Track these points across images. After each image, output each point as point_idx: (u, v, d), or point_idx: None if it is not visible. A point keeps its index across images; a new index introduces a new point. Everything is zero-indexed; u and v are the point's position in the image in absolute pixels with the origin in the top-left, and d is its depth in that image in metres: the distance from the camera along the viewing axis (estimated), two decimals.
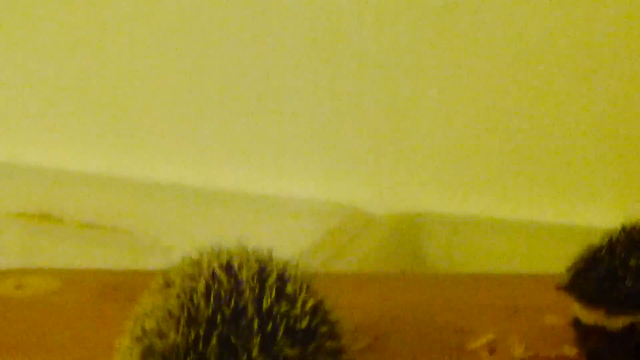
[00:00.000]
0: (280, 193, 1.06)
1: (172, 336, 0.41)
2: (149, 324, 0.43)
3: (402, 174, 0.92)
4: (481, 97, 1.04)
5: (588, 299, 0.55)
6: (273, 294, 0.44)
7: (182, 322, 0.41)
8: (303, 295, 0.45)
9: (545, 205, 1.02)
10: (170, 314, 0.42)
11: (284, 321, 0.42)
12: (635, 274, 0.53)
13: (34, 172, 1.11)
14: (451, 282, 0.77)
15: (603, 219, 0.91)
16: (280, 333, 0.41)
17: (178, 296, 0.44)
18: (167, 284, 0.47)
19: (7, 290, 0.69)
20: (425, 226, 0.96)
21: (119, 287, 0.78)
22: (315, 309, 0.45)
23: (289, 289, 0.45)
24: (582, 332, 0.55)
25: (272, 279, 0.45)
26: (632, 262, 0.53)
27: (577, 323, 0.56)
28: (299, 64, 1.04)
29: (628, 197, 0.72)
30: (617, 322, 0.55)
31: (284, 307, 0.43)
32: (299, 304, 0.44)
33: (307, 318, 0.44)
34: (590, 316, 0.56)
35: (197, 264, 0.46)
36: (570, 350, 0.61)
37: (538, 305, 0.72)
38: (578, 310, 0.56)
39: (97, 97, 1.09)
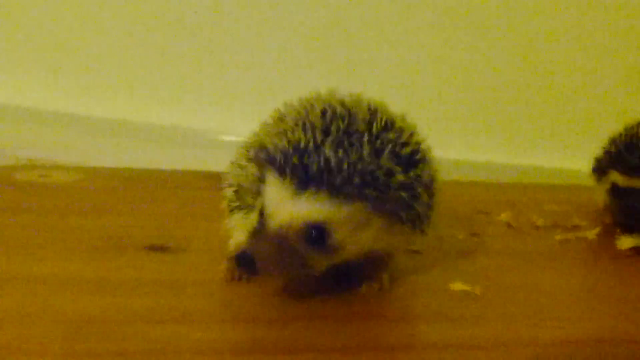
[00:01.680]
0: None
1: (291, 137, 0.44)
2: (264, 140, 0.47)
3: None
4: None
5: (629, 168, 0.71)
6: (382, 123, 0.47)
7: (299, 128, 0.45)
8: (409, 131, 0.48)
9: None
10: (284, 131, 0.46)
11: (390, 145, 0.45)
12: None
13: None
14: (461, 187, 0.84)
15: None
16: (387, 151, 0.45)
17: (293, 118, 0.48)
18: (280, 119, 0.50)
19: (34, 177, 0.77)
20: None
21: (137, 180, 0.84)
22: (417, 143, 0.48)
23: (398, 123, 0.48)
24: (621, 194, 0.73)
25: (382, 114, 0.48)
26: None
27: (615, 188, 0.73)
28: None
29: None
30: None
31: (392, 134, 0.46)
32: (405, 135, 0.47)
33: (411, 147, 0.47)
34: (629, 181, 0.71)
35: (309, 101, 0.50)
36: (580, 221, 0.70)
37: (538, 199, 0.82)
38: (619, 178, 0.72)
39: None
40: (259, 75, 1.11)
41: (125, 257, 0.54)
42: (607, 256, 0.64)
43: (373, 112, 0.48)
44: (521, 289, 0.53)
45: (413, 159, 0.46)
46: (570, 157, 1.08)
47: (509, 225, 0.75)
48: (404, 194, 0.44)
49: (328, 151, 0.43)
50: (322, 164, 0.42)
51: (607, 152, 0.75)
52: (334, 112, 0.47)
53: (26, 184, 0.76)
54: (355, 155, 0.43)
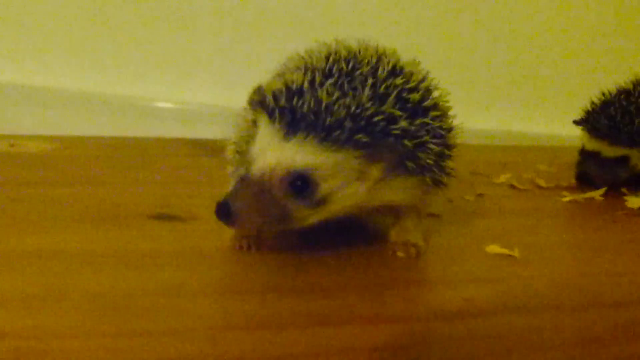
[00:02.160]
0: None
1: (288, 78, 0.40)
2: (263, 83, 0.43)
3: None
4: None
5: (596, 130, 0.71)
6: (389, 67, 0.43)
7: (300, 71, 0.41)
8: (419, 77, 0.44)
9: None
10: (284, 72, 0.44)
11: (396, 91, 0.41)
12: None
13: None
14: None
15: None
16: (392, 98, 0.40)
17: (297, 61, 0.44)
18: (287, 63, 0.47)
19: (4, 147, 0.72)
20: None
21: (119, 148, 0.80)
22: (428, 90, 0.44)
23: (407, 68, 0.44)
24: (584, 156, 0.73)
25: (390, 59, 0.44)
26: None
27: (582, 150, 0.74)
28: None
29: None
30: (615, 152, 0.70)
31: (398, 80, 0.42)
32: (413, 80, 0.43)
33: (420, 94, 0.42)
34: (594, 144, 0.71)
35: (319, 47, 0.46)
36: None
37: (528, 160, 0.82)
38: (586, 140, 0.73)
39: None
40: (195, 41, 1.08)
41: (134, 228, 0.48)
42: (621, 214, 0.63)
43: (380, 56, 0.44)
44: (555, 248, 0.51)
45: (421, 105, 0.42)
46: (553, 122, 1.10)
47: (512, 187, 0.74)
48: (408, 143, 0.40)
49: (321, 93, 0.39)
50: (313, 105, 0.38)
51: (585, 111, 0.75)
52: (339, 56, 0.43)
53: None
54: (351, 99, 0.39)
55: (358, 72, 0.42)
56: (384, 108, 0.40)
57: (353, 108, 0.39)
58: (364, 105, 0.39)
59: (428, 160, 0.42)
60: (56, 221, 0.49)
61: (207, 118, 1.05)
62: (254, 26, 1.09)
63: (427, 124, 0.42)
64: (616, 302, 0.42)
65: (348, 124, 0.38)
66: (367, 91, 0.40)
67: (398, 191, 0.43)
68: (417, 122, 0.41)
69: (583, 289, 0.43)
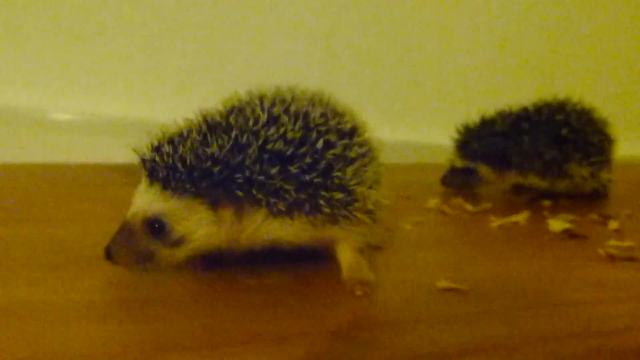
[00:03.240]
0: None
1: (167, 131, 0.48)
2: None
3: None
4: None
5: (462, 150, 0.91)
6: (270, 117, 0.49)
7: (189, 121, 0.49)
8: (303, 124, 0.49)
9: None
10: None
11: (258, 142, 0.46)
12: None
13: None
14: None
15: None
16: (251, 149, 0.46)
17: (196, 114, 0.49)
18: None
19: None
20: None
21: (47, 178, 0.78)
22: (300, 140, 0.47)
23: (302, 117, 0.49)
24: (449, 169, 0.93)
25: (288, 107, 0.51)
26: None
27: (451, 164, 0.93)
28: None
29: None
30: (463, 164, 0.91)
31: (270, 131, 0.47)
32: (289, 130, 0.48)
33: (286, 144, 0.47)
34: (456, 160, 0.92)
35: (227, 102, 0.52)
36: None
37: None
38: (454, 157, 0.93)
39: None
40: (91, 50, 1.04)
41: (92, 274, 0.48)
42: (547, 239, 0.67)
43: (284, 105, 0.50)
44: (500, 280, 0.53)
45: (283, 155, 0.46)
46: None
47: (443, 212, 0.77)
48: (254, 190, 0.45)
49: (178, 147, 0.45)
50: (166, 158, 0.44)
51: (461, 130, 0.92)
52: (236, 106, 0.50)
53: None
54: (195, 151, 0.44)
55: (236, 122, 0.47)
56: (232, 161, 0.44)
57: (190, 160, 0.44)
58: (205, 156, 0.44)
59: (281, 206, 0.46)
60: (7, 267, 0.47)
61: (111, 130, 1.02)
62: (163, 37, 1.07)
63: (288, 171, 0.46)
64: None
65: (184, 174, 0.44)
66: (219, 142, 0.45)
67: (283, 230, 0.48)
68: (273, 170, 0.45)
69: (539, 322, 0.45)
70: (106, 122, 1.03)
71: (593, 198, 0.90)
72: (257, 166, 0.45)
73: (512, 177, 0.89)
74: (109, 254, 0.45)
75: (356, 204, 0.49)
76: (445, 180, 0.92)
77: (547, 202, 0.87)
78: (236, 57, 1.10)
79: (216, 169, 0.44)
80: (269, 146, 0.46)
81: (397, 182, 0.82)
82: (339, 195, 0.47)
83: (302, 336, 0.40)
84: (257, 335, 0.40)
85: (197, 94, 1.05)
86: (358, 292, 0.47)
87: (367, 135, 0.54)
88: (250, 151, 0.45)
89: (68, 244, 0.54)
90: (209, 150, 0.44)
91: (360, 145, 0.52)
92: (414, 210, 0.76)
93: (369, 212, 0.51)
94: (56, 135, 0.98)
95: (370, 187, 0.50)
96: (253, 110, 0.48)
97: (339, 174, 0.47)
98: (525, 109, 0.90)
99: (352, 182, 0.48)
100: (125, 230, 0.45)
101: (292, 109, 0.49)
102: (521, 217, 0.74)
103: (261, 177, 0.45)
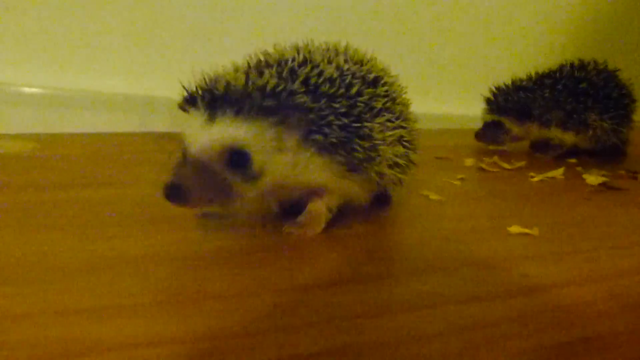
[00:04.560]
0: None
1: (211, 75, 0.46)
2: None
3: None
4: None
5: (490, 106, 0.99)
6: (318, 60, 0.50)
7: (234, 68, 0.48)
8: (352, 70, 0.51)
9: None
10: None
11: (303, 75, 0.47)
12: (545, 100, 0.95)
13: None
14: None
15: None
16: (299, 79, 0.46)
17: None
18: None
19: None
20: None
21: (96, 146, 0.79)
22: (349, 83, 0.49)
23: (347, 64, 0.51)
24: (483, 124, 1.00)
25: (333, 55, 0.52)
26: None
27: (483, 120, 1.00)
28: None
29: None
30: (491, 118, 0.99)
31: (307, 69, 0.47)
32: (331, 71, 0.48)
33: (333, 82, 0.47)
34: (486, 116, 0.99)
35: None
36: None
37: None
38: (484, 114, 1.00)
39: None
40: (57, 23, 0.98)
41: (183, 229, 0.49)
42: (588, 191, 0.71)
43: (328, 53, 0.51)
44: (565, 225, 0.57)
45: (329, 92, 0.46)
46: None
47: (483, 170, 0.80)
48: (312, 115, 0.45)
49: (235, 75, 0.44)
50: (226, 86, 0.43)
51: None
52: (281, 54, 0.50)
53: None
54: (260, 78, 0.44)
55: (285, 63, 0.47)
56: (289, 85, 0.44)
57: (259, 83, 0.43)
58: (269, 81, 0.44)
59: (332, 139, 0.46)
60: (105, 225, 0.49)
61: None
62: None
63: (333, 107, 0.46)
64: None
65: (255, 95, 0.43)
66: (273, 72, 0.45)
67: (315, 171, 0.47)
68: (322, 102, 0.45)
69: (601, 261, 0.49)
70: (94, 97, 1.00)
71: (614, 155, 0.94)
72: (309, 97, 0.45)
73: (535, 130, 0.96)
74: (177, 193, 0.40)
75: (378, 158, 0.49)
76: (477, 134, 0.99)
77: (572, 160, 0.91)
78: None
79: (281, 89, 0.44)
80: (313, 80, 0.46)
81: (430, 145, 0.86)
82: (366, 144, 0.48)
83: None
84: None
85: (179, 69, 1.00)
86: (287, 230, 0.49)
87: (392, 83, 0.55)
88: (298, 82, 0.45)
89: (141, 203, 0.55)
90: (273, 80, 0.44)
91: (384, 96, 0.52)
92: (455, 169, 0.79)
93: (398, 166, 0.52)
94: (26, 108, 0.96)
95: (399, 143, 0.52)
96: (292, 57, 0.49)
97: (367, 124, 0.48)
98: (549, 69, 0.96)
99: (378, 136, 0.49)
100: (195, 166, 0.42)
101: (329, 58, 0.50)
102: (557, 173, 0.78)
103: (315, 106, 0.45)
